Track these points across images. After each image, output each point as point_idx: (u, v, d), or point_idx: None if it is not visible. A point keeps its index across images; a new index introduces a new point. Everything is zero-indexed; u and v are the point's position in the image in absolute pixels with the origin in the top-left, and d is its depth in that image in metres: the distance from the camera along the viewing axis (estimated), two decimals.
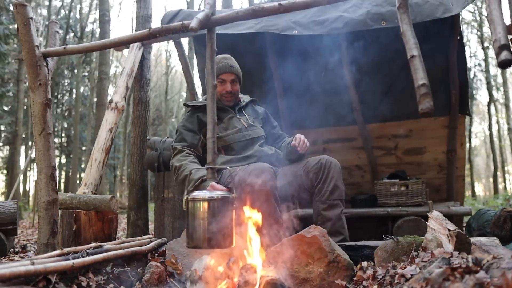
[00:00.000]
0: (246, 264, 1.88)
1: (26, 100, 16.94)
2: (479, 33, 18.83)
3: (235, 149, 2.85)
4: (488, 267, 1.38)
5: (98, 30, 18.73)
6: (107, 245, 2.20)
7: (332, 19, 3.58)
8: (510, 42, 1.51)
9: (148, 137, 4.20)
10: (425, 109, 1.48)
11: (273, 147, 3.06)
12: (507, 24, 1.54)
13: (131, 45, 4.15)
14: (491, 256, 1.47)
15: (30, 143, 21.06)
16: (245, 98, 3.20)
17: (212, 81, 2.01)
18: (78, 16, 23.42)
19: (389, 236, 2.14)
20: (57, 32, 2.46)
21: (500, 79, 20.79)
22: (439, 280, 1.31)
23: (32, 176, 26.33)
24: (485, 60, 19.18)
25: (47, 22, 17.68)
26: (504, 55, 1.41)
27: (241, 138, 2.87)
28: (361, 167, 5.17)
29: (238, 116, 2.99)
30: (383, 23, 3.43)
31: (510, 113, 20.06)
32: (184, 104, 3.13)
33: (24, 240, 5.55)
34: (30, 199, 23.44)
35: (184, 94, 25.23)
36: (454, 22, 4.05)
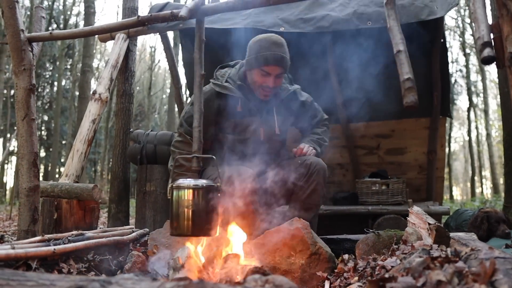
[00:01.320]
0: (229, 254, 1.89)
1: (5, 91, 16.60)
2: (461, 39, 19.19)
3: (237, 156, 2.60)
4: (467, 258, 1.42)
5: (82, 23, 18.49)
6: (89, 233, 2.18)
7: (319, 17, 3.61)
8: (492, 41, 1.56)
9: (131, 130, 4.17)
10: (410, 103, 1.51)
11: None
12: (490, 23, 1.59)
13: (116, 36, 4.12)
14: (469, 248, 1.51)
15: (8, 135, 20.70)
16: (285, 89, 2.79)
17: (200, 71, 2.00)
18: (61, 8, 23.06)
19: (370, 230, 2.17)
20: (43, 17, 2.43)
21: (480, 86, 21.23)
22: (420, 269, 1.34)
23: (10, 169, 25.88)
24: (466, 66, 19.59)
25: (28, 13, 17.34)
26: (487, 52, 1.46)
27: (249, 150, 2.64)
28: (343, 165, 5.22)
29: (262, 121, 2.69)
30: (369, 23, 3.48)
31: (488, 119, 20.49)
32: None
33: (1, 232, 5.46)
34: (7, 192, 23.04)
35: (168, 91, 25.06)
36: (437, 25, 4.12)
